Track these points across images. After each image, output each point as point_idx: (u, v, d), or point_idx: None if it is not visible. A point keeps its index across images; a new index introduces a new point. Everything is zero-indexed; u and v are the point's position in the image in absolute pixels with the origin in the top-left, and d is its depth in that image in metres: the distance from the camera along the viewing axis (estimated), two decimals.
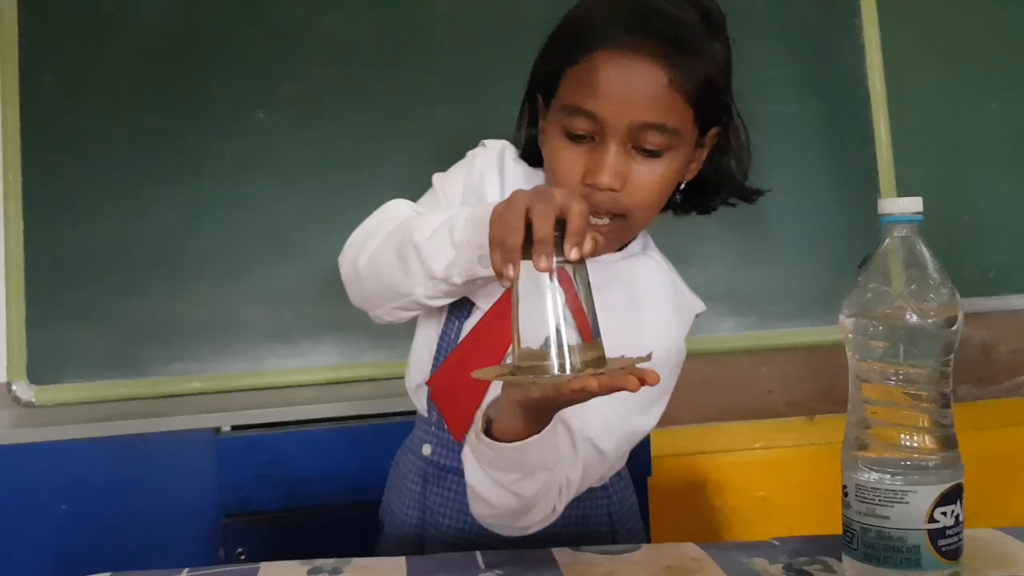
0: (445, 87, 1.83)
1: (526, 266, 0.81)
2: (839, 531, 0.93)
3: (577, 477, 1.01)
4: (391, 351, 1.90)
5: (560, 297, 0.79)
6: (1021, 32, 2.14)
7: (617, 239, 1.08)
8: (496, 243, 0.84)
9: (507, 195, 0.87)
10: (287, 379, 1.91)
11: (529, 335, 0.81)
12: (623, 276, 1.13)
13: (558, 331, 0.79)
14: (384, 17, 1.93)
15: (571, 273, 0.82)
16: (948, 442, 0.92)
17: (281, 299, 1.92)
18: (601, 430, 1.03)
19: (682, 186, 1.10)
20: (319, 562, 0.98)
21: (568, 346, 0.79)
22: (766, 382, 2.09)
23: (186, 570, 0.95)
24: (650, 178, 1.02)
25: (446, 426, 1.15)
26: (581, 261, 0.82)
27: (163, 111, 1.90)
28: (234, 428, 1.81)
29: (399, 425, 1.74)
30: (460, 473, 1.01)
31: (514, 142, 1.17)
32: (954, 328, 0.92)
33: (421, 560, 0.99)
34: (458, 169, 1.17)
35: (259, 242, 1.91)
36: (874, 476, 0.91)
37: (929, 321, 0.91)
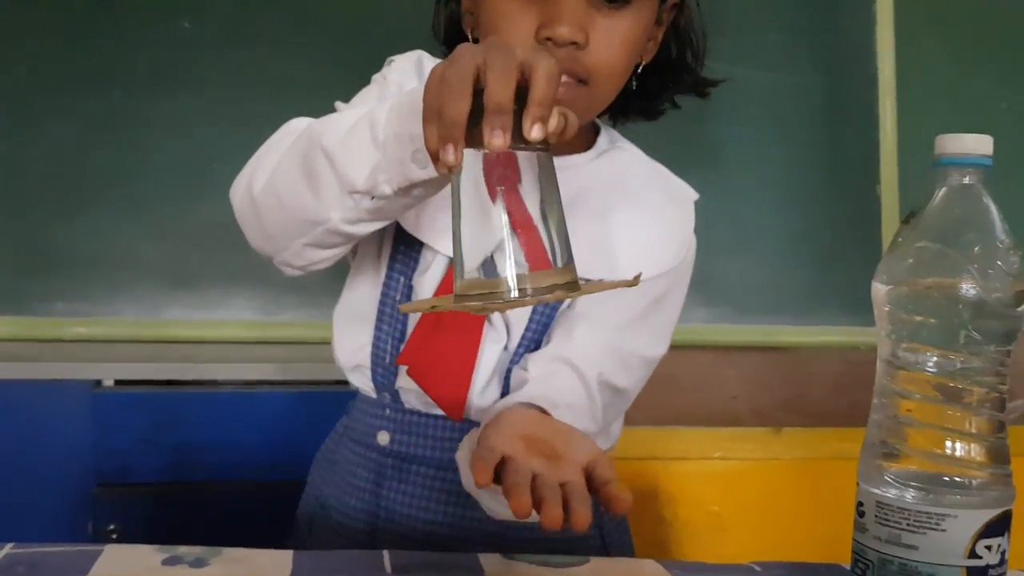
0: (400, 9, 1.62)
1: (472, 154, 0.59)
2: (805, 557, 0.85)
3: (595, 430, 0.91)
4: (316, 310, 1.68)
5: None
6: None
7: (582, 111, 0.89)
8: (432, 113, 0.63)
9: None
10: (188, 332, 1.69)
11: (474, 247, 0.60)
12: (598, 177, 0.98)
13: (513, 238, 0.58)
14: None
15: (532, 164, 0.60)
16: (999, 456, 0.75)
17: (190, 239, 1.69)
18: (617, 366, 0.94)
19: (639, 69, 0.97)
20: (182, 550, 0.82)
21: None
22: (731, 386, 1.95)
23: (9, 545, 0.80)
24: (616, 33, 0.89)
25: (408, 405, 0.99)
26: (546, 147, 0.61)
27: (72, 6, 1.67)
28: (118, 383, 1.60)
29: (315, 395, 1.62)
30: (426, 462, 0.96)
31: (433, 32, 1.01)
32: (1022, 308, 0.72)
33: (312, 556, 0.82)
34: (368, 91, 0.98)
35: (170, 170, 1.69)
36: (904, 493, 0.72)
37: (994, 296, 0.71)
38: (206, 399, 1.62)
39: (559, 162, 0.93)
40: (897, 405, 0.74)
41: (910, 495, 0.72)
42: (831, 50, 1.93)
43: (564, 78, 0.84)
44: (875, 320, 0.78)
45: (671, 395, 1.85)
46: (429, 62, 0.97)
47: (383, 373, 0.98)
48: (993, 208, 0.74)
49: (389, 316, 0.97)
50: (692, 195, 1.04)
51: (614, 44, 0.89)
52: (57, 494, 1.56)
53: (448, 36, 1.01)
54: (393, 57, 0.99)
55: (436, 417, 0.97)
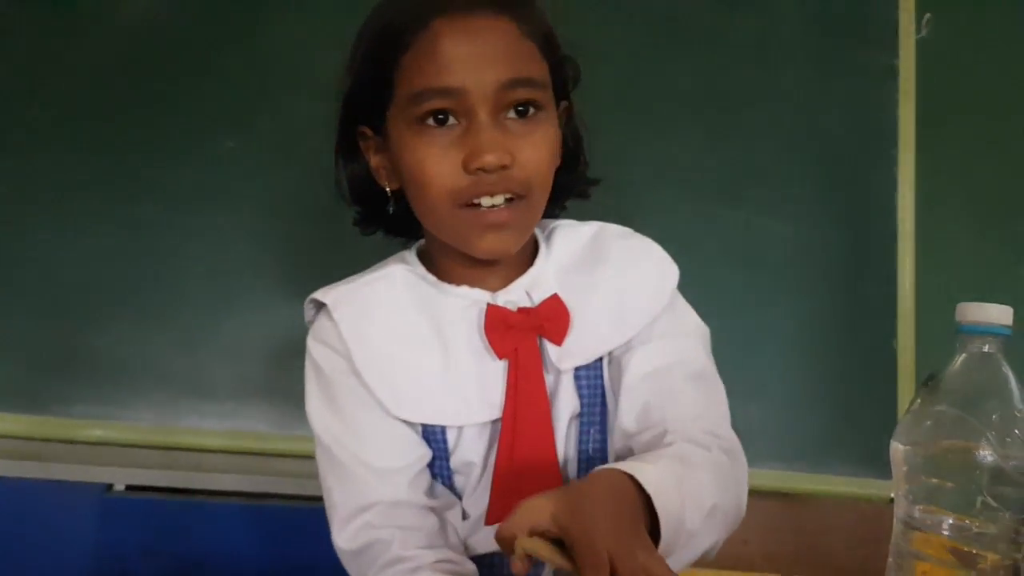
0: None
1: None
2: None
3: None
4: None
5: None
6: None
7: (526, 225, 0.96)
8: None
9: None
10: (202, 441, 1.66)
11: None
12: (563, 264, 1.01)
13: None
14: None
15: None
16: None
17: (212, 351, 1.68)
18: (718, 420, 0.96)
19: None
20: None
21: None
22: (743, 530, 1.88)
23: None
24: (535, 144, 0.92)
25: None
26: None
27: (119, 121, 1.70)
28: (129, 488, 1.58)
29: (323, 511, 1.57)
30: None
31: (340, 197, 1.05)
32: None
33: None
34: (312, 389, 0.99)
35: (200, 283, 1.69)
36: None
37: (1011, 464, 0.72)
38: (212, 510, 1.60)
39: (531, 279, 0.98)
40: (912, 567, 0.74)
41: None
42: (853, 206, 1.94)
43: (500, 199, 0.90)
44: (892, 478, 0.78)
45: None
46: (325, 320, 0.98)
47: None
48: (1012, 377, 0.75)
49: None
50: (624, 229, 1.06)
51: (537, 154, 0.92)
52: None
53: (359, 197, 1.04)
54: (309, 341, 1.00)
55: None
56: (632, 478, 0.76)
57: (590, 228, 1.05)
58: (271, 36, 1.77)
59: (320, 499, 1.59)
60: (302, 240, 1.73)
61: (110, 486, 1.58)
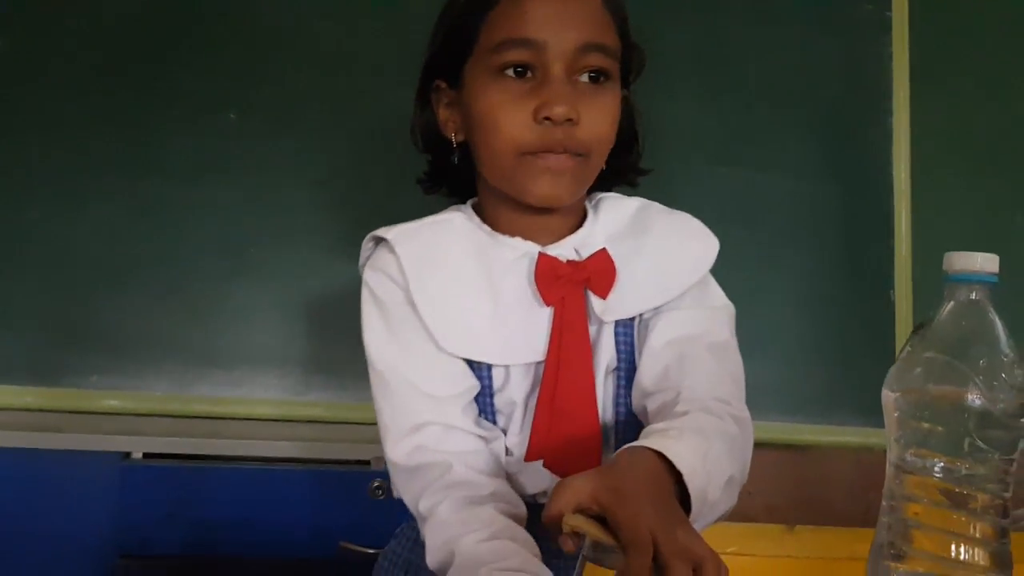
0: None
1: None
2: None
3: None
4: (342, 391, 1.70)
5: None
6: None
7: (582, 180, 1.01)
8: None
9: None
10: (217, 409, 1.70)
11: None
12: (612, 229, 1.06)
13: None
14: (377, 29, 1.78)
15: None
16: (1002, 561, 0.77)
17: (223, 319, 1.72)
18: (732, 391, 1.00)
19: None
20: None
21: None
22: (748, 482, 1.93)
23: None
24: (602, 108, 0.97)
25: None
26: None
27: (123, 96, 1.72)
28: (146, 456, 1.62)
29: (337, 474, 1.62)
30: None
31: (412, 142, 1.08)
32: None
33: None
34: (371, 315, 1.02)
35: (208, 254, 1.72)
36: None
37: (998, 407, 0.74)
38: (231, 475, 1.63)
39: (580, 238, 1.02)
40: (905, 508, 0.76)
41: None
42: (849, 159, 1.96)
43: (562, 156, 0.95)
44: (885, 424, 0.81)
45: None
46: (385, 252, 1.02)
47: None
48: (999, 323, 0.77)
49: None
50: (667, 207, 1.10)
51: (602, 118, 0.97)
52: (80, 562, 1.57)
53: (427, 145, 1.08)
54: (362, 265, 1.04)
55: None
56: (663, 456, 0.80)
57: (636, 201, 1.08)
58: (271, 7, 1.78)
59: (329, 462, 1.64)
60: (306, 209, 1.75)
61: (128, 454, 1.62)
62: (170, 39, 1.75)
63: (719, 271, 1.86)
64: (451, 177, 1.09)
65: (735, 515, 1.87)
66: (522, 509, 0.96)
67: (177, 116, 1.73)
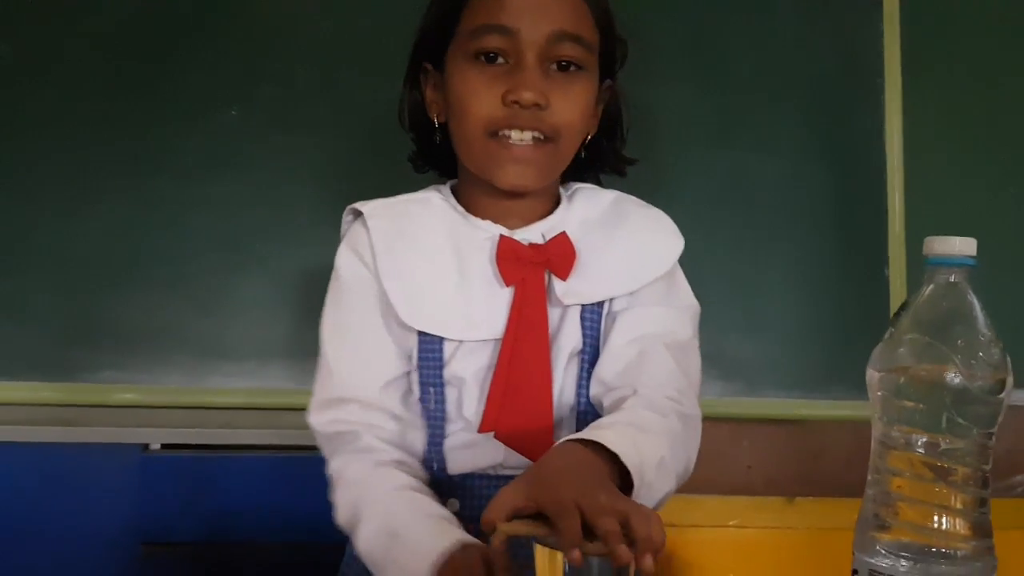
0: None
1: None
2: None
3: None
4: None
5: None
6: None
7: (549, 167, 1.05)
8: None
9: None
10: (228, 399, 1.73)
11: None
12: (584, 215, 1.09)
13: None
14: (378, 26, 1.80)
15: None
16: (982, 529, 0.81)
17: (231, 313, 1.75)
18: (684, 388, 1.02)
19: (588, 138, 1.09)
20: None
21: None
22: (746, 456, 1.97)
23: None
24: (571, 95, 1.02)
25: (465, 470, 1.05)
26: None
27: (126, 97, 1.75)
28: (164, 447, 1.66)
29: None
30: None
31: (400, 122, 1.13)
32: (1002, 395, 0.80)
33: None
34: (337, 293, 1.08)
35: (214, 249, 1.75)
36: (895, 563, 0.78)
37: (976, 384, 0.78)
38: (244, 463, 1.67)
39: (549, 224, 1.06)
40: (889, 481, 0.80)
41: (901, 564, 0.78)
42: (842, 139, 1.97)
43: (528, 136, 1.00)
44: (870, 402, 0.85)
45: None
46: (358, 226, 1.07)
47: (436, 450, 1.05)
48: (976, 304, 0.81)
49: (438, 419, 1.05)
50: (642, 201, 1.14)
51: (571, 105, 1.02)
52: (104, 552, 1.61)
53: (412, 124, 1.13)
54: (343, 236, 1.10)
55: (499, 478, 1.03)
56: (592, 443, 0.83)
57: (611, 194, 1.13)
58: (272, 4, 1.81)
59: None
60: (309, 202, 1.78)
61: (146, 446, 1.66)
62: (171, 37, 1.77)
63: (718, 253, 1.90)
64: (435, 158, 1.14)
65: (737, 489, 1.92)
66: (423, 474, 1.02)
67: (180, 114, 1.76)
